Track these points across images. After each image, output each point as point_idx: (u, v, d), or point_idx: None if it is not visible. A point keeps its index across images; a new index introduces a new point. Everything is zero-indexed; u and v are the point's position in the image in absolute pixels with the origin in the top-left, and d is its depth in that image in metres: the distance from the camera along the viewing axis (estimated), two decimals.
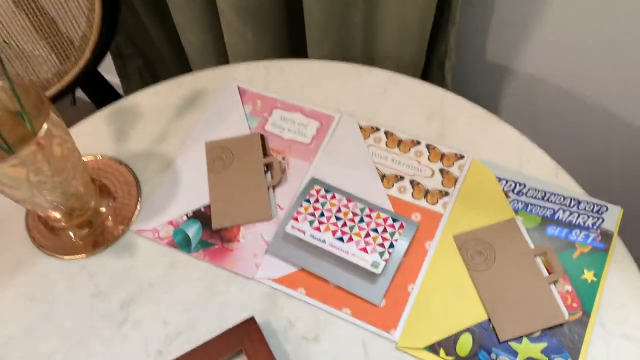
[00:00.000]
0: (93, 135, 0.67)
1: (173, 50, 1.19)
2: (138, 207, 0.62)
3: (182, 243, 0.60)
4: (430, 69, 0.91)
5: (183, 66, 1.21)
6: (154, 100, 0.70)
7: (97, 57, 0.93)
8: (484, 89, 1.01)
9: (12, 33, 0.87)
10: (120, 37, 1.14)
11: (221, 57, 1.03)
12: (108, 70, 1.20)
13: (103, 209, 0.62)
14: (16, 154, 0.47)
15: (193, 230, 0.60)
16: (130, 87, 1.25)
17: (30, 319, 0.56)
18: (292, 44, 0.95)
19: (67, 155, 0.53)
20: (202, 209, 0.62)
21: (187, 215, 0.61)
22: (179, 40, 1.09)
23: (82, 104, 1.22)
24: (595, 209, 0.58)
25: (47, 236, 0.61)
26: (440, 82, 0.92)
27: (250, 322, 0.53)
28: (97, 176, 0.64)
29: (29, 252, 0.61)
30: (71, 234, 0.61)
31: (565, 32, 0.83)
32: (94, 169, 0.65)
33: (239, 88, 0.70)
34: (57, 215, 0.59)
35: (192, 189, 0.63)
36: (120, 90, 1.18)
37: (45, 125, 0.49)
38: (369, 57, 0.89)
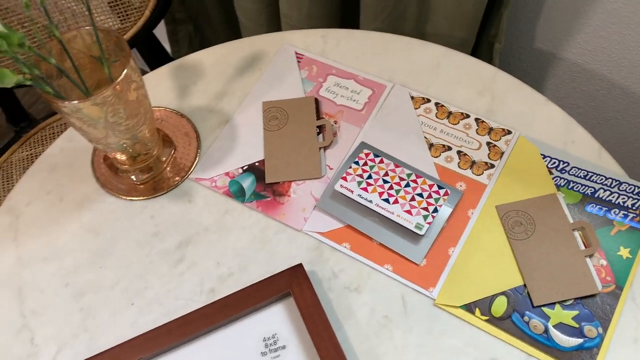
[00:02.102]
0: (158, 89, 0.71)
1: (224, 18, 1.22)
2: (197, 158, 0.66)
3: (237, 193, 0.63)
4: (480, 49, 0.93)
5: (233, 34, 1.24)
6: (215, 60, 0.73)
7: (155, 19, 0.97)
8: (529, 73, 1.02)
9: None
10: (174, 2, 1.18)
11: (273, 26, 1.06)
12: (159, 35, 1.24)
13: (164, 157, 0.66)
14: (97, 94, 0.51)
15: (248, 182, 0.64)
16: (180, 52, 1.29)
17: (95, 251, 0.61)
18: (345, 16, 0.98)
19: (141, 100, 0.57)
20: (257, 164, 0.65)
21: (242, 168, 0.65)
22: (231, 8, 1.12)
23: None
24: (636, 190, 0.60)
25: (110, 177, 0.66)
26: (489, 63, 0.93)
27: (299, 267, 0.57)
28: (160, 126, 0.68)
29: (93, 190, 0.65)
30: (133, 177, 0.65)
31: (614, 25, 0.84)
32: (159, 120, 0.69)
33: (296, 53, 0.73)
34: (123, 157, 0.63)
35: (248, 144, 0.67)
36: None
37: (125, 70, 0.53)
38: (420, 34, 0.91)
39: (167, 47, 1.30)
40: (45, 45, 0.54)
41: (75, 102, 0.52)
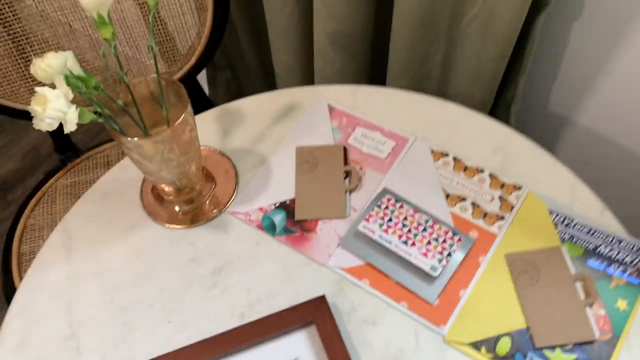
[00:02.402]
0: (205, 130, 0.79)
1: (261, 67, 1.32)
2: (234, 193, 0.73)
3: (269, 227, 0.70)
4: (497, 110, 1.00)
5: (268, 82, 1.33)
6: (256, 107, 0.81)
7: (199, 65, 1.06)
8: (544, 133, 1.08)
9: (133, 36, 1.01)
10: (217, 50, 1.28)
11: (306, 78, 1.14)
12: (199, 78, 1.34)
13: (205, 192, 0.73)
14: (158, 134, 0.59)
15: (279, 218, 0.71)
16: (217, 95, 1.38)
17: (138, 272, 0.68)
18: (373, 72, 1.06)
19: (192, 141, 0.65)
20: (288, 202, 0.72)
21: (274, 205, 0.72)
22: (269, 59, 1.21)
23: None
24: (635, 248, 0.65)
25: (156, 206, 0.73)
26: (505, 123, 1.00)
27: (322, 299, 0.62)
28: (204, 164, 0.75)
29: (140, 217, 0.72)
30: (176, 207, 0.73)
31: (625, 94, 0.91)
32: (203, 157, 0.76)
33: (328, 105, 0.81)
34: (170, 189, 0.70)
35: (281, 184, 0.74)
36: None
37: (183, 115, 0.61)
38: (442, 94, 0.99)
39: (205, 89, 1.40)
40: (114, 89, 0.62)
41: (137, 139, 0.59)
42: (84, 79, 0.57)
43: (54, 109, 0.51)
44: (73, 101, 0.54)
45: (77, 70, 0.56)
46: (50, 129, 0.52)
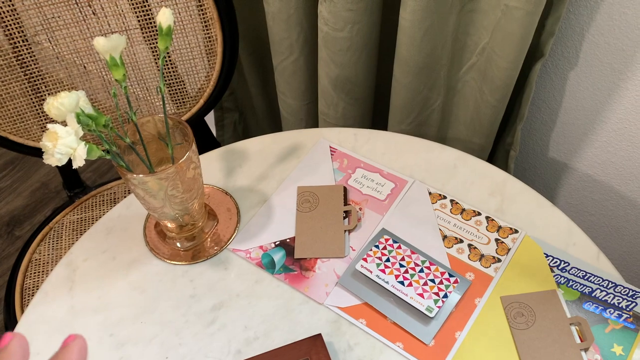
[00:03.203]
0: (209, 168, 0.82)
1: (267, 110, 1.35)
2: (235, 231, 0.75)
3: (268, 265, 0.71)
4: (496, 155, 1.02)
5: (274, 124, 1.37)
6: (260, 147, 0.84)
7: (207, 107, 1.10)
8: (543, 179, 1.10)
9: (144, 78, 1.05)
10: (225, 93, 1.32)
11: (310, 121, 1.18)
12: (207, 119, 1.37)
13: (207, 229, 0.75)
14: (162, 171, 0.61)
15: (278, 256, 0.72)
16: (224, 136, 1.42)
17: (139, 307, 0.68)
18: (375, 117, 1.09)
19: (196, 178, 0.67)
20: (288, 240, 0.73)
21: (275, 243, 0.73)
22: (274, 102, 1.25)
23: None
24: (630, 293, 0.66)
25: (158, 242, 0.75)
26: (504, 168, 1.02)
27: (318, 337, 0.63)
28: (207, 201, 0.77)
29: (142, 253, 0.74)
30: (178, 244, 0.74)
31: (620, 142, 0.93)
32: (206, 195, 0.78)
33: (330, 147, 0.83)
34: (172, 226, 0.72)
35: (282, 223, 0.75)
36: None
37: (187, 153, 0.63)
38: (441, 139, 1.01)
39: (213, 130, 1.44)
40: (122, 127, 0.65)
41: (142, 175, 0.61)
42: (94, 117, 0.60)
43: (64, 144, 0.53)
44: (83, 139, 0.56)
45: (88, 109, 0.59)
46: (60, 164, 0.54)
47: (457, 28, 0.84)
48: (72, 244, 1.09)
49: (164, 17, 0.61)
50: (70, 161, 0.56)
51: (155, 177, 0.62)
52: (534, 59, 0.86)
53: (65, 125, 0.56)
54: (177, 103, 1.09)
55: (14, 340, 0.31)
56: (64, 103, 0.55)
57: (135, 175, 0.62)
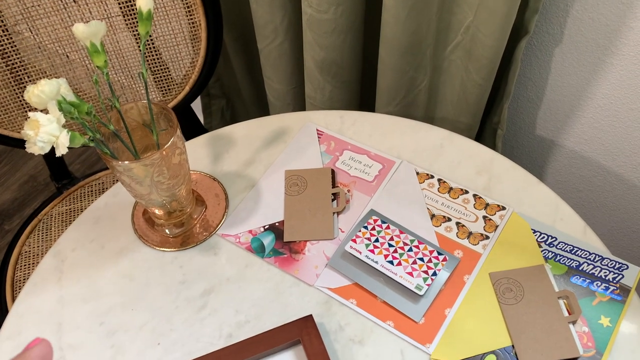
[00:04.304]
0: (196, 155, 0.81)
1: (254, 95, 1.35)
2: (224, 216, 0.75)
3: (258, 249, 0.71)
4: (484, 134, 1.03)
5: (261, 110, 1.36)
6: (247, 132, 0.83)
7: (193, 94, 1.09)
8: (530, 159, 1.10)
9: (129, 66, 1.04)
10: (211, 79, 1.31)
11: (298, 105, 1.17)
12: (193, 106, 1.36)
13: (195, 215, 0.75)
14: (147, 157, 0.61)
15: (268, 240, 0.72)
16: (212, 123, 1.41)
17: (128, 294, 0.68)
18: (363, 100, 1.09)
19: (182, 164, 0.66)
20: (277, 224, 0.73)
21: (264, 227, 0.73)
22: (261, 87, 1.24)
23: None
24: (617, 266, 0.66)
25: (147, 230, 0.74)
26: (492, 146, 1.02)
27: (309, 319, 0.63)
28: (195, 187, 0.77)
29: (131, 241, 0.73)
30: (167, 231, 0.74)
31: (606, 118, 0.93)
32: (194, 181, 0.78)
33: (317, 130, 0.83)
34: (160, 212, 0.72)
35: (270, 207, 0.75)
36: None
37: (172, 139, 0.63)
38: (429, 119, 1.01)
39: (201, 117, 1.43)
40: (106, 114, 0.64)
41: (128, 162, 0.61)
42: (76, 104, 0.59)
43: (46, 132, 0.53)
44: (69, 127, 0.56)
45: (70, 97, 0.58)
46: (43, 152, 0.54)
47: (442, 7, 0.84)
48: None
49: (144, 1, 0.61)
50: (56, 153, 0.55)
51: (140, 164, 0.61)
52: (518, 36, 0.86)
53: (47, 113, 0.55)
54: (162, 90, 1.08)
55: (39, 345, 0.33)
56: (44, 91, 0.54)
57: (120, 163, 0.61)
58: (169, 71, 1.04)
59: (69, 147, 0.56)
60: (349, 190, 0.76)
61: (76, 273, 0.71)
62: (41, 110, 0.56)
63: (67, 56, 1.00)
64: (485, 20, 0.80)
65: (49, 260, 0.72)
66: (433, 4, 0.82)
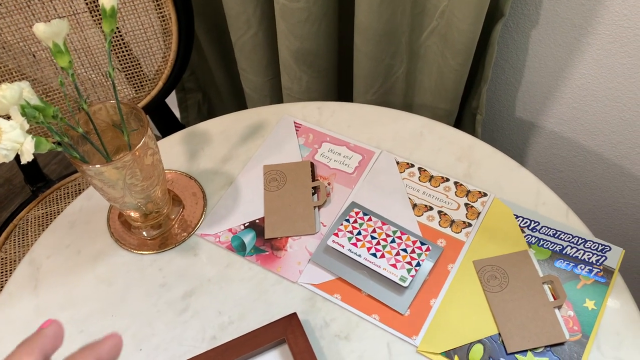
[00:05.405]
0: (171, 153, 0.79)
1: (230, 88, 1.32)
2: (203, 215, 0.73)
3: (239, 248, 0.70)
4: (463, 120, 1.02)
5: (239, 102, 1.34)
6: (223, 128, 0.82)
7: (167, 89, 1.06)
8: (510, 141, 1.10)
9: (98, 63, 1.01)
10: (185, 73, 1.28)
11: (275, 97, 1.15)
12: (169, 101, 1.34)
13: (173, 215, 0.73)
14: (118, 159, 0.59)
15: (248, 238, 0.70)
16: (188, 118, 1.38)
17: (108, 300, 0.67)
18: (340, 89, 1.07)
19: (155, 164, 0.64)
20: (257, 221, 0.72)
21: (244, 225, 0.72)
22: (237, 79, 1.22)
23: None
24: (600, 248, 0.66)
25: (124, 233, 0.72)
26: (471, 132, 1.02)
27: (293, 317, 0.62)
28: (171, 187, 0.75)
29: (108, 245, 0.72)
30: (144, 233, 0.72)
31: (584, 98, 0.93)
32: (170, 181, 0.76)
33: (294, 123, 0.82)
34: (136, 215, 0.70)
35: (250, 203, 0.73)
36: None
37: (143, 139, 0.61)
38: (407, 106, 1.00)
39: (177, 112, 1.40)
40: (74, 116, 0.62)
41: (98, 165, 0.59)
42: (41, 108, 0.57)
43: (9, 139, 0.51)
44: (35, 131, 0.53)
45: (34, 100, 0.56)
46: (7, 160, 0.52)
47: None
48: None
49: None
50: (21, 160, 0.53)
51: (111, 166, 0.59)
52: (494, 19, 0.85)
53: (10, 119, 0.53)
54: (135, 87, 1.05)
55: (52, 325, 0.36)
56: (5, 96, 0.52)
57: (90, 167, 0.59)
58: (140, 67, 1.01)
59: (34, 154, 0.54)
60: (329, 183, 0.75)
61: (52, 280, 0.69)
62: (4, 116, 0.54)
63: (34, 55, 0.97)
64: (460, 4, 0.79)
65: (24, 268, 0.70)
66: None
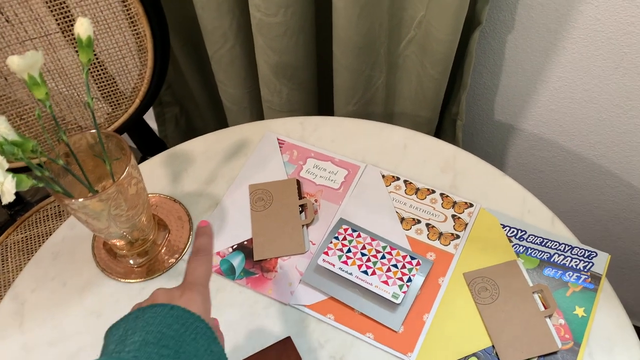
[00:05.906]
0: (153, 176, 0.78)
1: (209, 101, 1.31)
2: (190, 239, 0.72)
3: (228, 271, 0.69)
4: (444, 126, 1.02)
5: (217, 115, 1.32)
6: (205, 148, 0.81)
7: (145, 106, 1.05)
8: (491, 145, 1.11)
9: (73, 83, 0.99)
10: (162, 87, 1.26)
11: (255, 109, 1.14)
12: (147, 115, 1.32)
13: (159, 241, 0.72)
14: (102, 192, 0.58)
15: (237, 260, 0.70)
16: (166, 132, 1.36)
17: (98, 332, 0.65)
18: (321, 100, 1.07)
19: (140, 193, 0.63)
20: (245, 242, 0.71)
21: (232, 247, 0.71)
22: (216, 92, 1.21)
23: None
24: (586, 254, 0.67)
25: (109, 262, 0.71)
26: (452, 138, 1.02)
27: (287, 340, 0.62)
28: (155, 212, 0.74)
29: (94, 275, 0.70)
30: (131, 261, 0.71)
31: (561, 100, 0.94)
32: (153, 206, 0.75)
33: (278, 139, 0.81)
34: (122, 243, 0.69)
35: (237, 225, 0.73)
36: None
37: (127, 169, 0.60)
38: (388, 115, 1.00)
39: (154, 126, 1.38)
40: (54, 148, 0.60)
41: (82, 200, 0.58)
42: (19, 143, 0.55)
43: None
44: (11, 167, 0.52)
45: (12, 136, 0.55)
46: None
47: (392, 3, 0.82)
48: (20, 265, 1.04)
49: (82, 27, 0.57)
50: (2, 200, 0.52)
51: (96, 200, 0.58)
52: (471, 27, 0.85)
53: None
54: (112, 105, 1.04)
55: (209, 225, 0.56)
56: None
57: (74, 201, 0.58)
58: (116, 85, 1.00)
59: (15, 193, 0.52)
60: (316, 200, 0.75)
61: (39, 315, 0.67)
62: None
63: (6, 79, 0.95)
64: (438, 14, 0.79)
65: (8, 303, 0.68)
66: (384, 1, 0.80)
